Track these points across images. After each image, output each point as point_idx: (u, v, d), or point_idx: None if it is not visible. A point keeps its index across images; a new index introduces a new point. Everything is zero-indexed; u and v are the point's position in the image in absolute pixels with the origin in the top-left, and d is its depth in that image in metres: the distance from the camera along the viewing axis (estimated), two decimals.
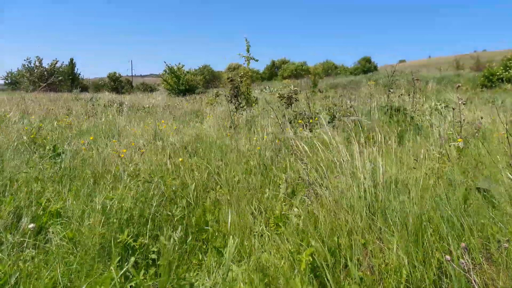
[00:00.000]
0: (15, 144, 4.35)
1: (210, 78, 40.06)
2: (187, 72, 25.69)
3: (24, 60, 32.64)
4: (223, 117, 7.21)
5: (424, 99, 8.48)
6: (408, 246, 1.92)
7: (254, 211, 2.84)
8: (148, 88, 36.00)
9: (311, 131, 4.98)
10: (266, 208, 2.90)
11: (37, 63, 32.16)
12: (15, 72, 36.10)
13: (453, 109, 4.30)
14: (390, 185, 2.46)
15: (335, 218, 2.31)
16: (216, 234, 2.40)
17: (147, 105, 11.23)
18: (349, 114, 5.91)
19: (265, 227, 2.60)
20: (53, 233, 2.20)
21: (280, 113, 6.41)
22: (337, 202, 2.44)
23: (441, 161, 3.29)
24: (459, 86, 4.32)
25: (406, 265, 1.83)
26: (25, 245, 2.11)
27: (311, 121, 5.73)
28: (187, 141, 4.95)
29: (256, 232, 2.47)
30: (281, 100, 7.66)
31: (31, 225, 2.02)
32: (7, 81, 38.02)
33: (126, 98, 15.85)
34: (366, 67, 45.50)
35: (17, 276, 1.71)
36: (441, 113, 6.13)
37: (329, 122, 5.93)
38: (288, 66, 46.69)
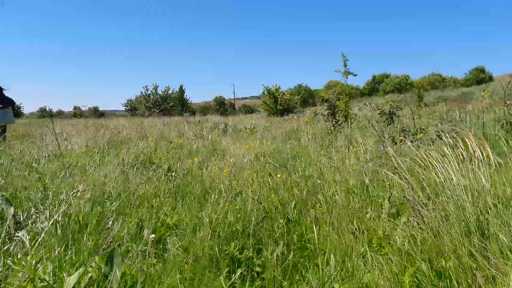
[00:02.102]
0: (137, 163, 4.95)
1: (307, 97, 40.35)
2: (284, 92, 26.30)
3: (142, 87, 36.69)
4: (321, 135, 7.22)
5: None
6: None
7: (355, 230, 2.80)
8: (249, 110, 37.62)
9: (417, 147, 4.72)
10: (368, 228, 2.84)
11: (153, 90, 35.78)
12: (134, 99, 40.79)
13: None
14: (507, 208, 2.23)
15: (441, 240, 2.17)
16: (318, 252, 2.42)
17: (249, 126, 11.76)
18: (458, 129, 5.46)
19: (368, 247, 2.55)
20: (170, 243, 2.46)
21: (381, 130, 6.20)
22: (444, 223, 2.29)
23: None
24: None
25: None
26: (147, 253, 2.39)
27: (414, 138, 5.42)
28: (286, 160, 5.08)
29: (358, 251, 2.43)
30: (382, 116, 7.40)
31: (152, 236, 2.29)
32: (127, 108, 43.14)
33: (229, 119, 16.84)
34: (480, 77, 41.28)
35: (142, 280, 1.95)
36: None
37: (435, 139, 5.55)
38: (390, 80, 44.72)
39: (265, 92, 25.67)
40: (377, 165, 4.21)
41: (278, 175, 3.95)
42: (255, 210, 2.84)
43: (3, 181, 3.47)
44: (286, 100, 25.22)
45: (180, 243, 2.41)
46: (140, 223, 2.93)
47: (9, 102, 10.21)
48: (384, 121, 7.20)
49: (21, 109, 46.89)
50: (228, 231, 2.49)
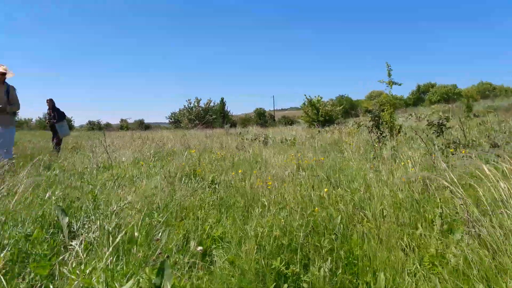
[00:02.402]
0: (182, 175, 5.05)
1: (348, 108, 39.78)
2: (326, 103, 26.07)
3: (186, 101, 37.80)
4: (365, 147, 7.06)
5: None
6: None
7: (405, 247, 2.69)
8: (289, 121, 37.61)
9: (469, 160, 4.49)
10: (419, 245, 2.72)
11: (195, 103, 36.74)
12: (177, 112, 42.07)
13: None
14: None
15: (501, 260, 2.03)
16: (367, 269, 2.35)
17: (289, 137, 11.73)
18: None
19: (419, 265, 2.44)
20: (216, 256, 2.48)
21: (429, 142, 5.96)
22: (504, 242, 2.15)
23: None
24: None
25: None
26: (194, 265, 2.43)
27: (466, 151, 5.17)
28: (328, 173, 5.00)
29: (409, 270, 2.33)
30: (430, 127, 7.12)
31: (199, 248, 2.32)
32: (170, 120, 44.58)
33: (270, 131, 16.90)
34: None
35: None
36: None
37: (488, 151, 5.25)
38: (437, 89, 43.13)
39: (306, 103, 25.57)
40: (427, 179, 4.04)
41: (325, 189, 3.89)
42: (302, 225, 2.80)
43: (60, 193, 3.66)
44: (327, 111, 24.98)
45: (226, 256, 2.42)
46: (186, 235, 2.98)
47: (62, 116, 10.86)
48: (433, 133, 6.92)
49: (72, 122, 49.66)
50: (274, 245, 2.47)
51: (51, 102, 10.54)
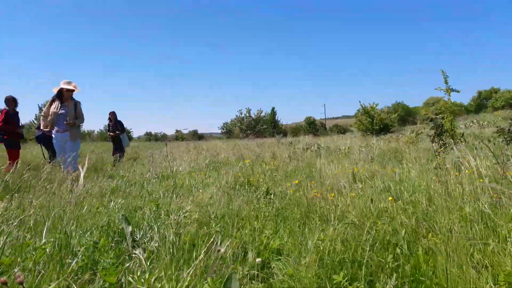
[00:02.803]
0: (237, 184, 5.11)
1: (404, 115, 38.31)
2: (381, 111, 25.28)
3: (237, 111, 38.54)
4: (426, 157, 6.72)
5: None
6: None
7: (476, 264, 2.50)
8: (341, 130, 36.95)
9: None
10: (492, 262, 2.51)
11: (246, 114, 37.31)
12: (229, 123, 42.93)
13: None
14: None
15: None
16: (435, 287, 2.21)
17: (343, 147, 11.48)
18: None
19: (493, 284, 2.25)
20: (276, 268, 2.45)
21: (498, 150, 5.54)
22: None
23: None
24: None
25: None
26: (252, 277, 2.41)
27: None
28: (388, 184, 4.80)
29: None
30: (499, 134, 6.64)
31: (258, 260, 2.30)
32: (222, 130, 45.60)
33: (321, 140, 16.67)
34: None
35: None
36: None
37: None
38: (500, 95, 40.37)
39: (360, 111, 24.96)
40: (496, 191, 3.75)
41: (390, 198, 3.75)
42: (366, 239, 2.70)
43: (123, 201, 3.83)
44: (382, 118, 24.20)
45: (285, 269, 2.39)
46: (243, 245, 2.98)
47: (123, 127, 11.49)
48: (502, 141, 6.43)
49: (131, 133, 52.34)
50: (335, 259, 2.40)
51: (114, 115, 11.18)
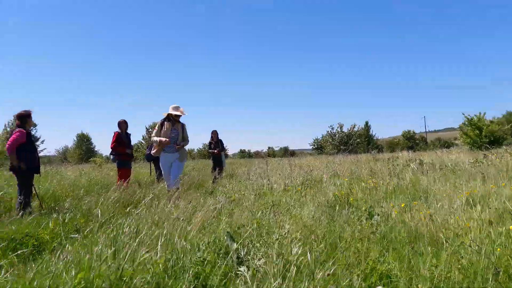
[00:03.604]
0: (335, 203, 4.97)
1: None
2: (490, 121, 22.76)
3: (328, 127, 37.97)
4: None
5: None
6: None
7: None
8: (444, 144, 34.12)
9: None
10: None
11: (338, 129, 36.59)
12: (320, 138, 42.44)
13: None
14: None
15: None
16: None
17: (449, 163, 10.54)
18: None
19: None
20: None
21: None
22: None
23: None
24: None
25: None
26: None
27: None
28: (508, 205, 4.25)
29: None
30: None
31: None
32: (313, 146, 45.21)
33: (423, 155, 15.51)
34: None
35: None
36: None
37: None
38: None
39: (466, 123, 22.76)
40: None
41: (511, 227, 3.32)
42: (485, 265, 2.42)
43: (229, 219, 3.97)
44: (492, 130, 21.75)
45: None
46: (348, 268, 2.86)
47: (223, 146, 12.04)
48: None
49: (227, 151, 54.74)
50: None
51: (216, 134, 11.82)
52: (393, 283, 2.58)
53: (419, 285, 2.32)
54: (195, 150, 54.57)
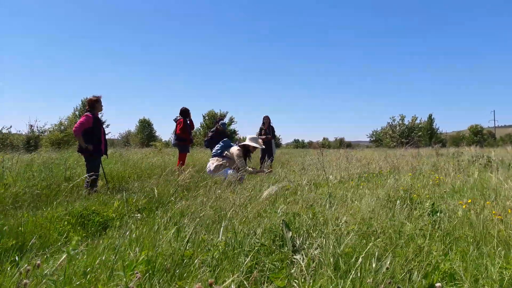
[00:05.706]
0: (396, 198, 4.79)
1: None
2: None
3: (389, 118, 36.52)
4: None
5: None
6: None
7: None
8: None
9: None
10: None
11: (399, 121, 35.12)
12: (379, 131, 40.98)
13: None
14: None
15: None
16: None
17: None
18: None
19: None
20: None
21: None
22: None
23: None
24: None
25: None
26: None
27: None
28: None
29: None
30: None
31: (438, 285, 2.07)
32: (372, 139, 43.75)
33: (491, 151, 14.43)
34: None
35: None
36: None
37: None
38: None
39: None
40: None
41: None
42: None
43: (284, 207, 3.99)
44: None
45: None
46: (407, 264, 2.77)
47: (273, 133, 11.90)
48: None
49: (280, 140, 54.84)
50: None
51: (268, 119, 11.35)
52: (457, 284, 2.46)
53: (486, 287, 2.19)
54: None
